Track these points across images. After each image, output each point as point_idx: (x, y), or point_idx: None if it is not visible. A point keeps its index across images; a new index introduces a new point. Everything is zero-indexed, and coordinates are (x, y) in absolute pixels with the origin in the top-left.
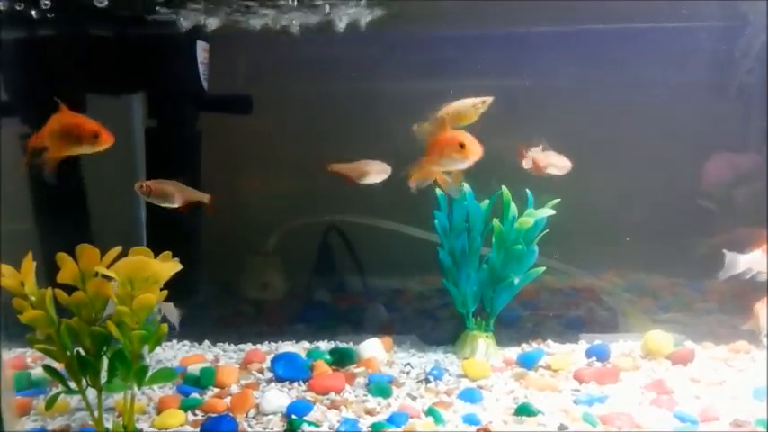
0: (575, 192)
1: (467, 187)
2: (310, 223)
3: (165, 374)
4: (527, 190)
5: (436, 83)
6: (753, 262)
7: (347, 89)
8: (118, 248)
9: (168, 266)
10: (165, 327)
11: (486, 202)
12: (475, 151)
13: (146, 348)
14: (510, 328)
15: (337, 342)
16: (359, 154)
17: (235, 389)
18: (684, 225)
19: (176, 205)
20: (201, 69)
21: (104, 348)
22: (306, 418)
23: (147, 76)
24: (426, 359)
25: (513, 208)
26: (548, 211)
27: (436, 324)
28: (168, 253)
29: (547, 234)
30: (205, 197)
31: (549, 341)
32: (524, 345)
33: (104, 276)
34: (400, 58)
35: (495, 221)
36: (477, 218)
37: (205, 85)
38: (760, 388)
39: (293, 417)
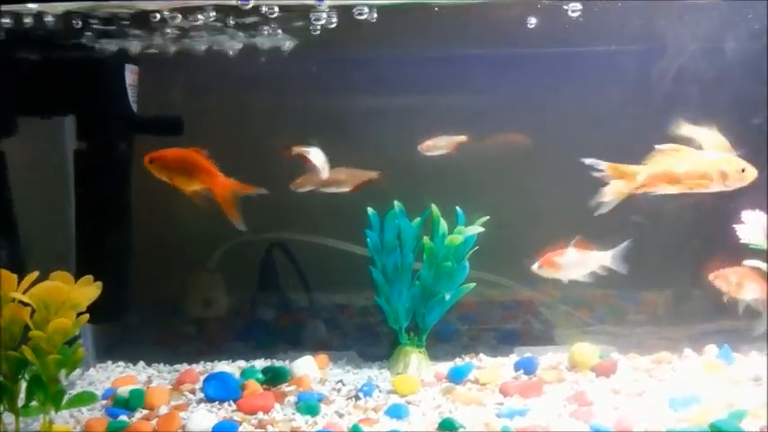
0: (515, 207)
1: (398, 205)
2: (253, 240)
3: (83, 398)
4: (457, 207)
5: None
6: None
7: (282, 107)
8: (35, 274)
9: (86, 291)
10: (81, 351)
11: (418, 219)
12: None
13: (62, 373)
14: (446, 343)
15: (274, 360)
16: (296, 170)
17: (164, 410)
18: (619, 238)
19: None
20: (130, 92)
21: (22, 373)
22: None
23: (76, 99)
24: (360, 376)
25: (443, 225)
26: (477, 229)
27: (375, 340)
28: (89, 277)
29: (488, 249)
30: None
31: (482, 355)
32: (457, 359)
33: (21, 302)
34: (325, 78)
35: (426, 239)
36: (408, 235)
37: (134, 107)
38: (676, 398)
39: None
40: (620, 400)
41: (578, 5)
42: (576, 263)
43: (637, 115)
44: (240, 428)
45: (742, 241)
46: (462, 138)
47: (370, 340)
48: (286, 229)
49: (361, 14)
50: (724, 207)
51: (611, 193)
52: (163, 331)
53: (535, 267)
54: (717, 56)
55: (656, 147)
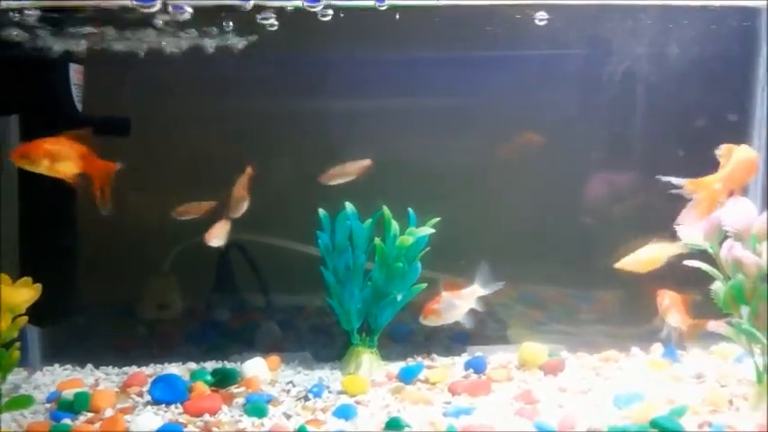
0: (474, 208)
1: (349, 206)
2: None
3: (19, 402)
4: (409, 209)
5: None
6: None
7: (236, 108)
8: None
9: (24, 293)
10: (17, 353)
11: (369, 220)
12: None
13: None
14: (399, 343)
15: (226, 362)
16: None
17: (110, 413)
18: (573, 239)
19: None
20: (75, 91)
21: None
22: None
23: (19, 98)
24: (312, 377)
25: (395, 226)
26: (427, 230)
27: (329, 341)
28: (28, 279)
29: (447, 250)
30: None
31: (434, 355)
32: (410, 359)
33: None
34: (278, 79)
35: (377, 240)
36: (359, 236)
37: (79, 107)
38: (620, 395)
39: None
40: (566, 398)
41: (545, 14)
42: (454, 305)
43: (586, 118)
44: (185, 431)
45: (682, 242)
46: (367, 162)
47: (325, 341)
48: (242, 230)
49: (324, 16)
50: (673, 209)
51: (700, 209)
52: (113, 334)
53: (421, 319)
54: (660, 60)
55: (717, 152)
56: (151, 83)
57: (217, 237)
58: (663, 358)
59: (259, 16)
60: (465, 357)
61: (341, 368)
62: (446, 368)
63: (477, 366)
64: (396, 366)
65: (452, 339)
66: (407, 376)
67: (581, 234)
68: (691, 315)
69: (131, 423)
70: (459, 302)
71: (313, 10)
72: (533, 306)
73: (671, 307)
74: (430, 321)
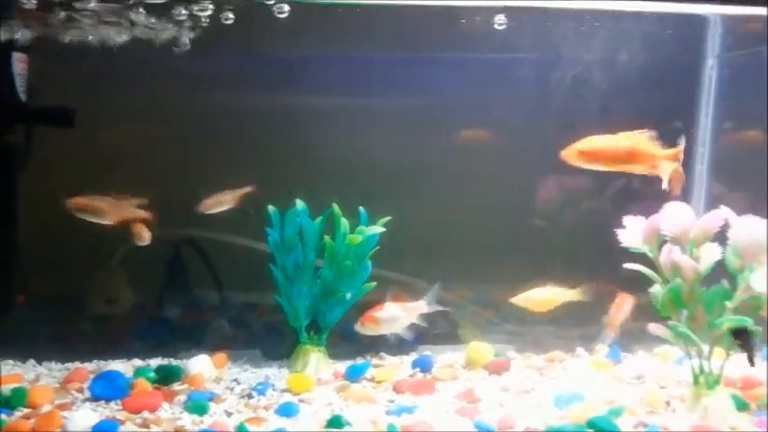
0: (427, 209)
1: (300, 203)
2: (160, 237)
3: None
4: (360, 207)
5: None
6: None
7: (180, 102)
8: None
9: None
10: None
11: (320, 218)
12: None
13: None
14: (349, 342)
15: (173, 360)
16: (197, 165)
17: (47, 409)
18: (527, 241)
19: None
20: (18, 81)
21: None
22: None
23: None
24: (259, 374)
25: (345, 224)
26: (378, 229)
27: (280, 339)
28: None
29: (403, 250)
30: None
31: (383, 353)
32: (359, 358)
33: None
34: (224, 75)
35: (327, 238)
36: (309, 234)
37: (22, 96)
38: (561, 395)
39: None
40: (508, 398)
41: (503, 18)
42: (395, 317)
43: (536, 121)
44: (123, 428)
45: (622, 245)
46: (247, 189)
47: (276, 339)
48: (194, 226)
49: (281, 12)
50: (622, 212)
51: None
52: (58, 329)
53: (358, 326)
54: (608, 66)
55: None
56: (96, 74)
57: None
58: (606, 359)
59: (196, 7)
60: (414, 356)
61: (288, 366)
62: (393, 367)
63: (423, 365)
64: (344, 365)
65: (402, 339)
66: (354, 375)
67: (534, 235)
68: (630, 315)
69: (68, 419)
70: (401, 315)
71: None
72: (486, 306)
73: (618, 307)
74: (366, 329)
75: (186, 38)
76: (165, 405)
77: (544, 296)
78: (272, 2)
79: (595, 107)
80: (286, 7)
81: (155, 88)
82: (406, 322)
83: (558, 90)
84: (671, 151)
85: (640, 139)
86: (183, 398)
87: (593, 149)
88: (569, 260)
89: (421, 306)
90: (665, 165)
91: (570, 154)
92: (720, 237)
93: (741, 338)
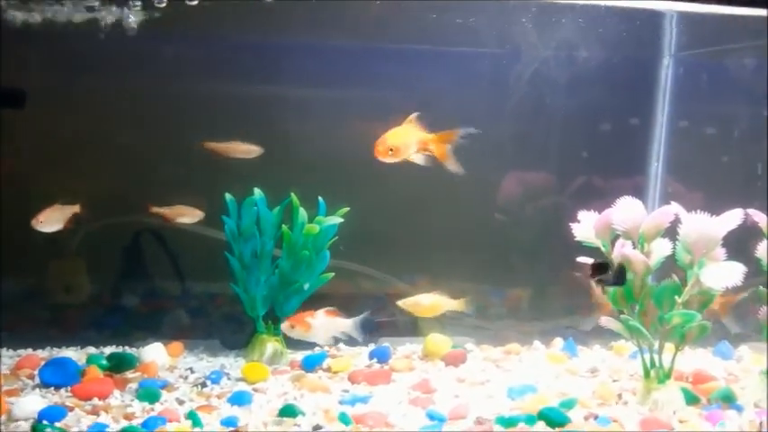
0: (392, 202)
1: (258, 192)
2: (118, 224)
3: None
4: (319, 197)
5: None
6: None
7: (140, 87)
8: None
9: None
10: None
11: (278, 207)
12: None
13: None
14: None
15: (127, 348)
16: (161, 149)
17: None
18: (489, 235)
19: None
20: None
21: None
22: (58, 423)
23: None
24: (214, 363)
25: (303, 214)
26: (336, 219)
27: (239, 328)
28: None
29: (366, 242)
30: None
31: (341, 344)
32: (316, 348)
33: None
34: (187, 58)
35: (285, 228)
36: (267, 223)
37: None
38: (513, 387)
39: (39, 422)
40: (463, 389)
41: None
42: (324, 326)
43: (495, 117)
44: (71, 414)
45: (576, 239)
46: (75, 208)
47: (234, 328)
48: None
49: None
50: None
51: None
52: (12, 316)
53: (285, 326)
54: (566, 62)
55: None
56: (50, 56)
57: (46, 221)
58: (562, 352)
59: None
60: (372, 347)
61: (245, 356)
62: (350, 357)
63: (380, 356)
64: (302, 355)
65: (363, 330)
66: (310, 365)
67: (496, 231)
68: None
69: (14, 405)
70: (329, 327)
71: None
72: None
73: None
74: (294, 333)
75: (133, 20)
76: (117, 392)
77: (430, 303)
78: None
79: (551, 104)
80: None
81: (108, 72)
82: (332, 335)
83: (515, 86)
84: (440, 134)
85: (414, 129)
86: (134, 386)
87: (399, 144)
88: (529, 254)
89: (348, 326)
90: (436, 147)
91: (382, 150)
92: (671, 232)
93: (600, 272)
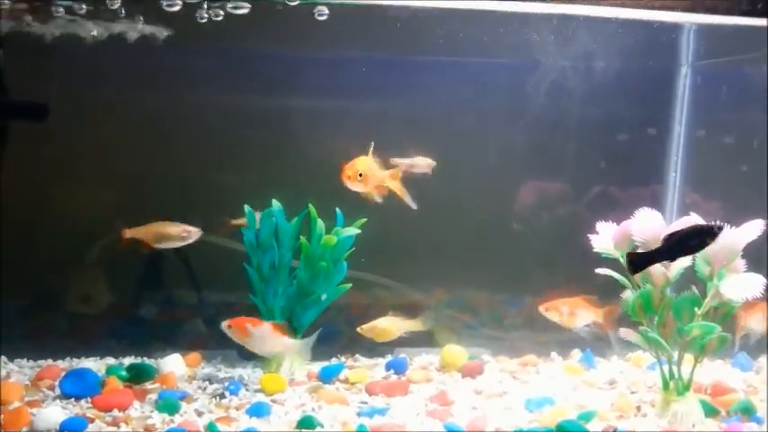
0: (409, 213)
1: (276, 204)
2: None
3: None
4: (336, 209)
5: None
6: None
7: (157, 99)
8: None
9: None
10: None
11: (296, 218)
12: None
13: None
14: (324, 343)
15: (146, 358)
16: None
17: (16, 406)
18: (506, 245)
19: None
20: None
21: None
22: None
23: None
24: (232, 374)
25: (321, 225)
26: (353, 230)
27: None
28: None
29: (382, 251)
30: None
31: (358, 355)
32: (333, 359)
33: None
34: (203, 71)
35: (303, 239)
36: (285, 234)
37: None
38: (531, 399)
39: None
40: (480, 401)
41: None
42: (263, 339)
43: (513, 127)
44: (92, 426)
45: (595, 250)
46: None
47: None
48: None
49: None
50: (598, 217)
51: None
52: (32, 326)
53: (224, 324)
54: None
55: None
56: (68, 70)
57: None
58: (579, 364)
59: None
60: (389, 358)
61: (263, 366)
62: (367, 368)
63: (397, 367)
64: (319, 366)
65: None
66: (327, 376)
67: (513, 240)
68: (598, 306)
69: (36, 416)
70: (271, 341)
71: None
72: (463, 310)
73: (573, 311)
74: (231, 333)
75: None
76: (136, 403)
77: (385, 326)
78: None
79: (571, 114)
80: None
81: (126, 85)
82: (272, 350)
83: (533, 96)
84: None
85: (371, 164)
86: (154, 397)
87: (368, 172)
88: (546, 264)
89: (292, 346)
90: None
91: (351, 174)
92: None
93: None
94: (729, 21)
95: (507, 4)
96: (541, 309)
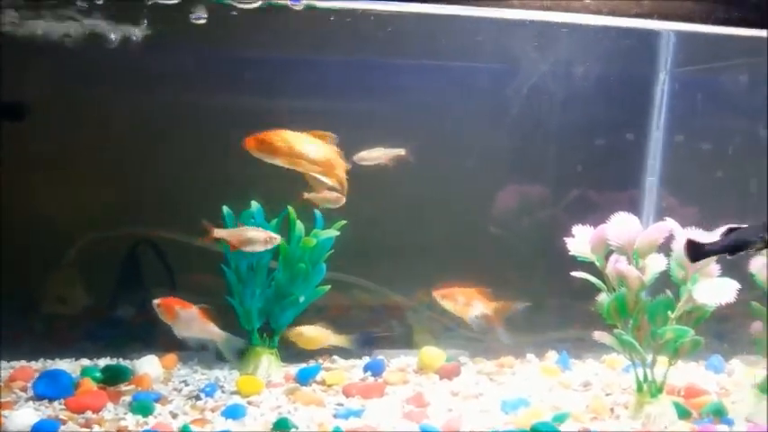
0: (388, 215)
1: (255, 205)
2: (116, 236)
3: None
4: (315, 210)
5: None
6: None
7: (142, 99)
8: None
9: None
10: None
11: (275, 220)
12: None
13: None
14: (359, 343)
15: (122, 360)
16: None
17: None
18: (486, 247)
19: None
20: None
21: None
22: None
23: None
24: (209, 376)
25: (300, 227)
26: (332, 232)
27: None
28: None
29: (361, 253)
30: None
31: (336, 357)
32: (311, 361)
33: None
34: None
35: (282, 240)
36: None
37: None
38: (507, 400)
39: None
40: (457, 402)
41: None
42: (189, 322)
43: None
44: (64, 427)
45: (571, 253)
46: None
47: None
48: (149, 225)
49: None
50: (576, 221)
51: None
52: (5, 327)
53: (155, 302)
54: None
55: None
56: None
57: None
58: (556, 365)
59: None
60: (366, 360)
61: (239, 368)
62: (344, 370)
63: (375, 369)
64: (296, 368)
65: (357, 343)
66: (304, 378)
67: (492, 243)
68: (492, 300)
69: (8, 418)
70: (195, 327)
71: None
72: (443, 312)
73: (468, 301)
74: (159, 312)
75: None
76: (110, 405)
77: (311, 335)
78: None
79: (550, 118)
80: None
81: (106, 85)
82: (195, 335)
83: (512, 101)
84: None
85: (329, 149)
86: (128, 398)
87: (272, 143)
88: (524, 266)
89: (216, 335)
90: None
91: (251, 143)
92: (666, 247)
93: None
94: (705, 29)
95: (487, 10)
96: (437, 295)
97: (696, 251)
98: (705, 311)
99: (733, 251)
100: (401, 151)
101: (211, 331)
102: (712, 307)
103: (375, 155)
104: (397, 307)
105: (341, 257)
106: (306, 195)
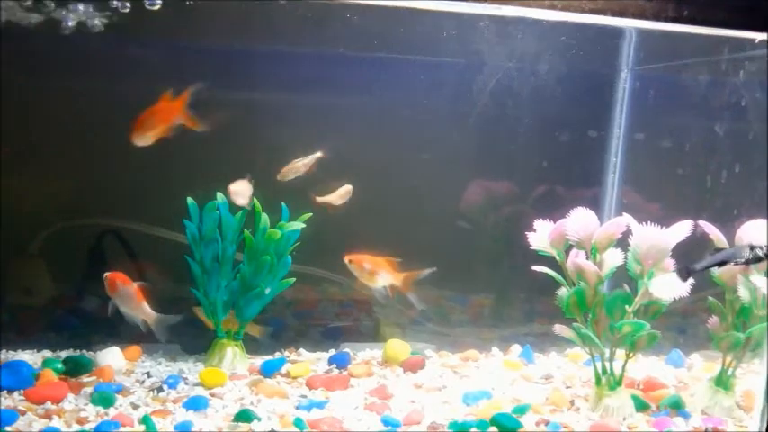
0: (357, 208)
1: (220, 196)
2: (83, 225)
3: None
4: (282, 203)
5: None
6: None
7: (106, 87)
8: None
9: None
10: None
11: (240, 212)
12: None
13: None
14: (270, 337)
15: (85, 351)
16: (124, 152)
17: None
18: (453, 243)
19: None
20: None
21: None
22: (9, 428)
23: None
24: (173, 368)
25: (265, 219)
26: (298, 225)
27: (200, 332)
28: None
29: (329, 247)
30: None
31: (302, 350)
32: (277, 353)
33: None
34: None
35: (247, 232)
36: (229, 228)
37: None
38: (469, 393)
39: None
40: (420, 395)
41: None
42: (127, 298)
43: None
44: (23, 418)
45: (532, 248)
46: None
47: (195, 333)
48: (116, 215)
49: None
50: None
51: None
52: None
53: (105, 275)
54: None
55: None
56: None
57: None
58: (519, 359)
59: None
60: (332, 353)
61: (204, 360)
62: (309, 363)
63: (340, 362)
64: (262, 360)
65: (325, 336)
66: (269, 370)
67: (459, 238)
68: (400, 270)
69: None
70: (131, 303)
71: None
72: (411, 306)
73: (375, 270)
74: (105, 283)
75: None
76: (71, 396)
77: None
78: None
79: (512, 115)
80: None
81: (73, 72)
82: (131, 312)
83: (476, 97)
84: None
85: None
86: (89, 390)
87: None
88: (491, 261)
89: (149, 315)
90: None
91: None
92: (625, 243)
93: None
94: (655, 26)
95: (444, 4)
96: (346, 259)
97: (687, 272)
98: (662, 306)
99: (720, 265)
100: (318, 154)
101: (144, 310)
102: (668, 301)
103: (297, 166)
104: (364, 300)
105: (306, 251)
106: (319, 200)
